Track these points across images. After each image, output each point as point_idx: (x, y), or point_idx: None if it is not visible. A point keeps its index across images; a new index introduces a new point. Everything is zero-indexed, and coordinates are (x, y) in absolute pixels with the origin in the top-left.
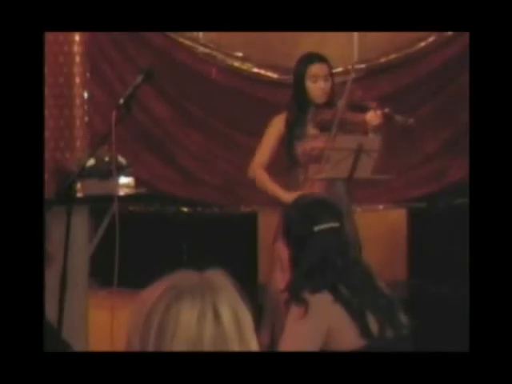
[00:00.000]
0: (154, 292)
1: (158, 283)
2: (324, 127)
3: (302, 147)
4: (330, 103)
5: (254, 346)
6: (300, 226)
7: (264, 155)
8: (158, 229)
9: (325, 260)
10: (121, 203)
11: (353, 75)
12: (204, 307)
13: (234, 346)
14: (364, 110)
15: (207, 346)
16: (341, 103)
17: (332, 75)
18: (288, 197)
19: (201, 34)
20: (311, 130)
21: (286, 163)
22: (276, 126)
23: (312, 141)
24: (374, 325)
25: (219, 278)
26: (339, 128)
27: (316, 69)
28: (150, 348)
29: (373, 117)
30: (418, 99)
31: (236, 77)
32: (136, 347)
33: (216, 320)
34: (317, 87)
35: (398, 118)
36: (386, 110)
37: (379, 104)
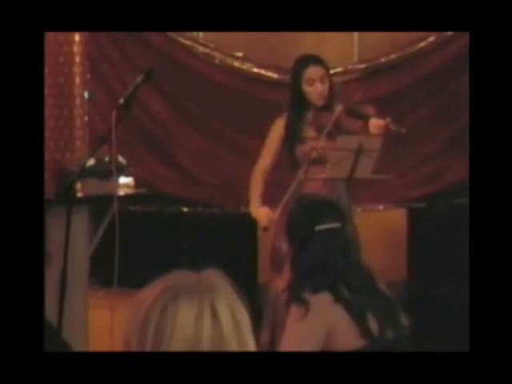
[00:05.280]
0: (151, 292)
1: (155, 283)
2: (322, 131)
3: (302, 149)
4: (329, 105)
5: (251, 345)
6: (302, 226)
7: (265, 161)
8: (158, 229)
9: (325, 260)
10: (121, 203)
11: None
12: (201, 307)
13: (232, 346)
14: (362, 117)
15: (205, 345)
16: (337, 109)
17: (329, 76)
18: (256, 211)
19: (201, 34)
20: (310, 132)
21: (287, 164)
22: (276, 130)
23: (311, 143)
24: (374, 325)
25: (216, 277)
26: (337, 133)
27: (311, 72)
28: (148, 348)
29: (375, 126)
30: (419, 99)
31: (236, 77)
32: (134, 347)
33: (214, 320)
34: (314, 90)
35: (392, 126)
36: (388, 120)
37: (377, 110)
